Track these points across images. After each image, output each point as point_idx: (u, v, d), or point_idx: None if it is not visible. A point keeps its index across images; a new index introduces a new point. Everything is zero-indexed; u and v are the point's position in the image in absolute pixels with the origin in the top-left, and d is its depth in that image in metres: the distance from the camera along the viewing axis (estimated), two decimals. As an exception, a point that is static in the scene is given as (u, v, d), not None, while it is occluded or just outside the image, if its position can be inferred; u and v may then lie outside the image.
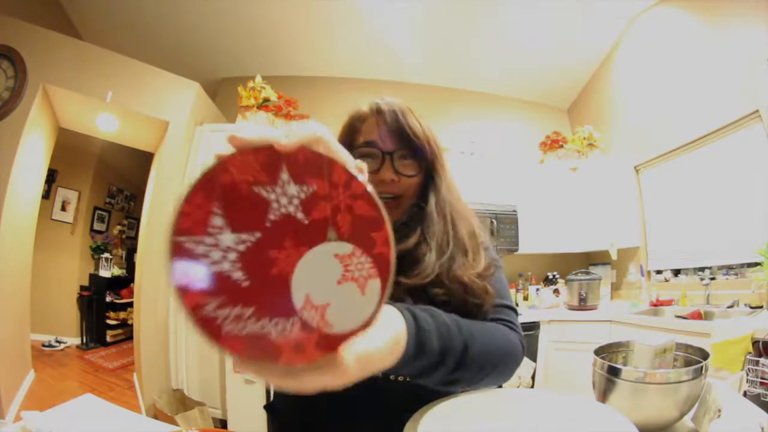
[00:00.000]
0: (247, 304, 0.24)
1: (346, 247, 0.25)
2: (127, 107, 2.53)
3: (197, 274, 0.23)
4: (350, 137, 0.70)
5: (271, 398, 0.73)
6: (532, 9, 2.98)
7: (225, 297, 0.24)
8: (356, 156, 0.67)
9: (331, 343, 0.25)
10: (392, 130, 0.66)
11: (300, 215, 0.25)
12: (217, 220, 0.24)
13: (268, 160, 0.24)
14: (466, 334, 0.51)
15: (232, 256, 0.24)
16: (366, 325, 0.25)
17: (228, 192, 0.24)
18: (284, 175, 0.24)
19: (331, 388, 0.26)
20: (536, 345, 2.58)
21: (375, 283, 0.25)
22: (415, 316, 0.45)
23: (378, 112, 0.67)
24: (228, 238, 0.24)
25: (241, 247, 0.24)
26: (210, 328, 0.24)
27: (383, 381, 0.58)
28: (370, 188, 0.25)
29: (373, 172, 0.65)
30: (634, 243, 2.98)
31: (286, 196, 0.24)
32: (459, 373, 0.50)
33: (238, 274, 0.24)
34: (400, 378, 0.59)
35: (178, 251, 0.23)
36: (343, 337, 0.25)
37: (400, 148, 0.66)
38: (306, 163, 0.25)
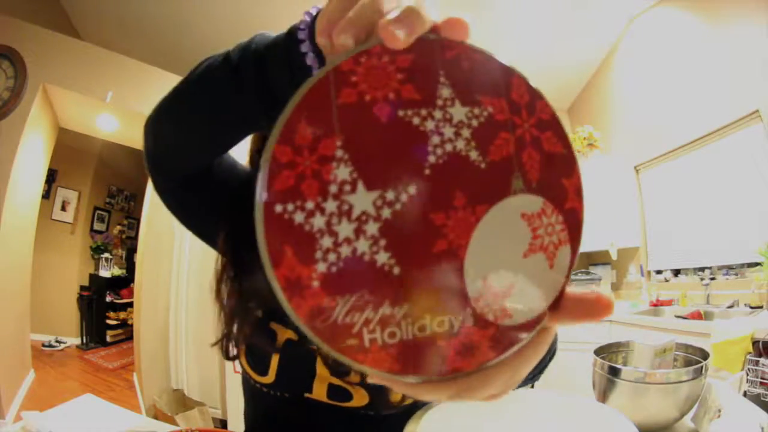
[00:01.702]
0: (399, 300, 0.16)
1: (535, 202, 0.17)
2: (127, 107, 2.53)
3: (315, 263, 0.15)
4: None
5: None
6: (531, 8, 2.98)
7: (364, 293, 0.15)
8: None
9: (507, 338, 0.17)
10: None
11: (474, 154, 0.16)
12: (342, 171, 0.15)
13: (415, 64, 0.16)
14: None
15: (372, 228, 0.15)
16: (548, 311, 0.17)
17: (355, 120, 0.15)
18: (445, 90, 0.16)
19: (500, 396, 0.19)
20: (536, 345, 2.59)
21: (565, 252, 0.17)
22: None
23: None
24: (362, 199, 0.15)
25: (386, 213, 0.15)
26: (342, 340, 0.15)
27: (368, 414, 0.55)
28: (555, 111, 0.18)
29: None
30: (634, 243, 2.98)
31: (450, 124, 0.16)
32: (550, 362, 0.46)
33: (382, 257, 0.15)
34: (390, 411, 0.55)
35: (278, 228, 0.14)
36: (522, 328, 0.17)
37: None
38: (473, 70, 0.17)
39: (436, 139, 0.16)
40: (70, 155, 4.04)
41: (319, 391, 0.53)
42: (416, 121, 0.16)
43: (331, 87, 0.15)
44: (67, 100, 2.48)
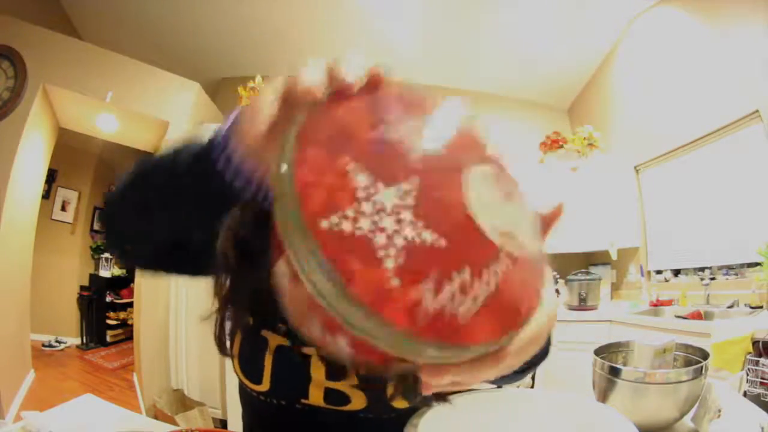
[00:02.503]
0: (460, 264, 0.17)
1: (487, 166, 0.21)
2: (127, 107, 2.53)
3: (383, 263, 0.15)
4: None
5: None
6: (531, 9, 2.98)
7: (436, 270, 0.16)
8: None
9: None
10: None
11: (434, 146, 0.20)
12: (361, 178, 0.17)
13: (378, 98, 0.21)
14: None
15: (407, 215, 0.17)
16: (537, 230, 0.21)
17: (351, 140, 0.18)
18: (394, 114, 0.21)
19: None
20: (536, 345, 2.58)
21: (519, 192, 0.22)
22: None
23: None
24: (388, 195, 0.17)
25: (409, 201, 0.17)
26: (450, 328, 0.16)
27: (367, 417, 0.54)
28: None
29: None
30: (634, 243, 2.98)
31: (412, 131, 0.20)
32: (542, 359, 0.46)
33: (427, 235, 0.17)
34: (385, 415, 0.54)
35: (333, 244, 0.15)
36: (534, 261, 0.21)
37: None
38: (401, 95, 0.22)
39: (415, 140, 0.20)
40: (70, 155, 4.04)
41: (315, 397, 0.53)
42: (395, 134, 0.19)
43: (323, 119, 0.19)
44: (67, 100, 2.47)
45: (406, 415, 0.52)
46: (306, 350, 0.51)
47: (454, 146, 0.21)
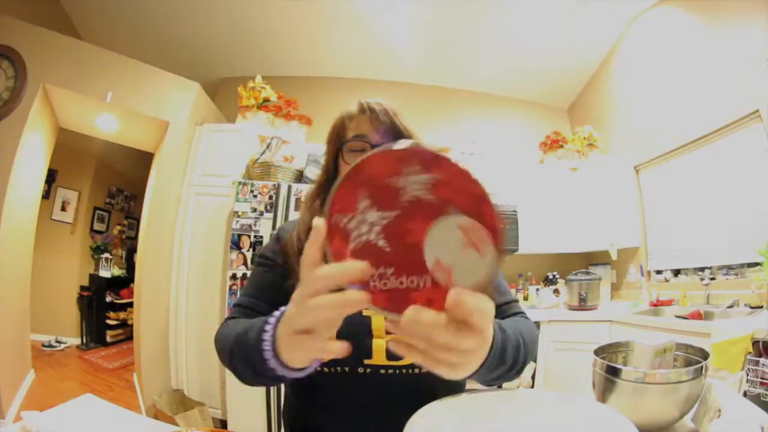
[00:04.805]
0: (389, 265, 0.31)
1: (466, 220, 0.30)
2: (127, 107, 2.53)
3: (348, 244, 0.31)
4: (339, 134, 0.70)
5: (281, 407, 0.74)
6: (532, 9, 2.98)
7: (372, 260, 0.30)
8: (345, 150, 0.68)
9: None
10: (382, 125, 0.66)
11: (428, 197, 0.30)
12: (364, 203, 0.31)
13: (402, 155, 0.30)
14: (528, 342, 0.58)
15: (377, 229, 0.31)
16: (485, 281, 0.30)
17: (371, 182, 0.30)
18: (414, 167, 0.30)
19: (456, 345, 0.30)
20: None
21: (491, 248, 0.30)
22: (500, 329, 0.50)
23: (369, 109, 0.68)
24: (373, 215, 0.31)
25: (384, 222, 0.31)
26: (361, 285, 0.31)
27: (387, 374, 0.60)
28: (472, 171, 0.31)
29: None
30: (634, 243, 2.98)
31: (418, 183, 0.30)
32: (516, 374, 0.55)
33: (381, 242, 0.31)
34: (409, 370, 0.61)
35: (331, 227, 0.31)
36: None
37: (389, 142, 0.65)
38: (430, 159, 0.31)
39: (410, 189, 0.30)
40: (70, 155, 4.04)
41: (378, 354, 0.59)
42: (399, 182, 0.30)
43: (361, 167, 0.31)
44: (67, 100, 2.47)
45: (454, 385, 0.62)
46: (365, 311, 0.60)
47: (444, 197, 0.30)
